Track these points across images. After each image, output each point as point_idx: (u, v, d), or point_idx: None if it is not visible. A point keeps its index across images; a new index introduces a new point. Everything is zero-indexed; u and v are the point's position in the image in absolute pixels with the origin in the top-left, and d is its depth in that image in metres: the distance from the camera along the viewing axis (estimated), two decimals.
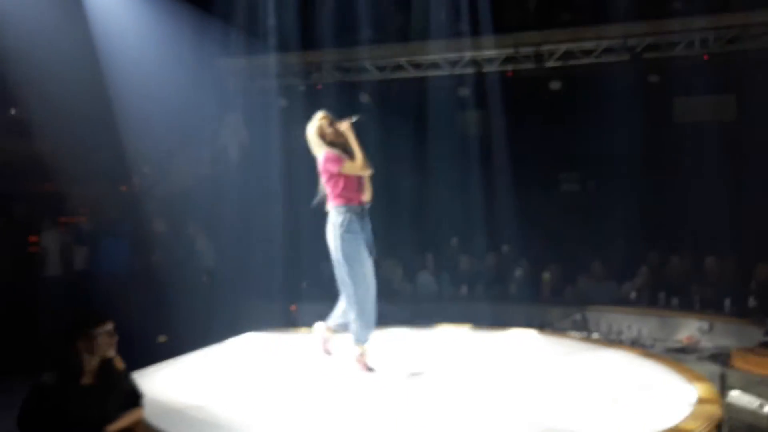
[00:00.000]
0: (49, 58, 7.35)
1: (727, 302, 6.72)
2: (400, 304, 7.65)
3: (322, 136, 4.43)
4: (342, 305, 4.64)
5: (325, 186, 4.45)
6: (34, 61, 7.31)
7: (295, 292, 7.93)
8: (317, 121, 4.48)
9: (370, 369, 4.44)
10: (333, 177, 4.40)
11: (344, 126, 4.42)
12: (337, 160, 4.38)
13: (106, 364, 3.30)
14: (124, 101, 7.92)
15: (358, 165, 4.38)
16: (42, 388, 3.18)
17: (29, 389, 3.19)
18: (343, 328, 4.66)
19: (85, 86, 7.75)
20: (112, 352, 3.30)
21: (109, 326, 3.28)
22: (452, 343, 5.50)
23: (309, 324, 6.79)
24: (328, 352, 4.75)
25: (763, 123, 8.86)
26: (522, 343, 5.50)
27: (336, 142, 4.43)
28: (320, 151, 4.44)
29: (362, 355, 4.46)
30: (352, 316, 4.45)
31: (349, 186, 4.43)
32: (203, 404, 3.85)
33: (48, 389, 3.18)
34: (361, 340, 4.47)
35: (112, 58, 7.91)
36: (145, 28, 8.00)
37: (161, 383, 4.28)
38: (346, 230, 4.39)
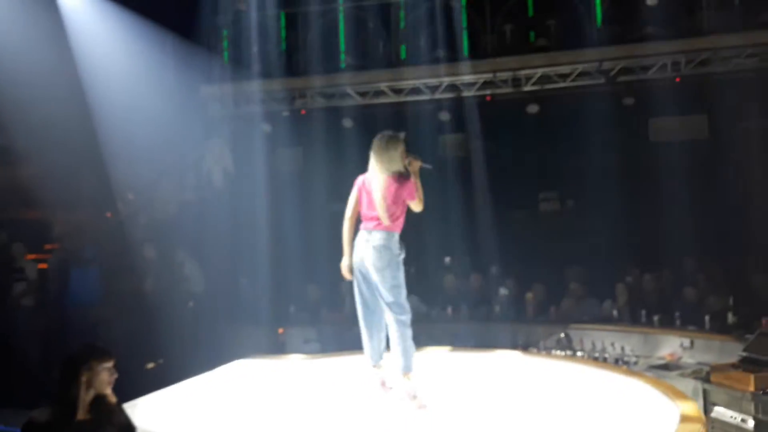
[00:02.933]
0: (34, 85, 7.35)
1: (707, 319, 6.87)
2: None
3: (402, 156, 4.26)
4: (370, 338, 4.46)
5: (389, 208, 4.21)
6: (18, 89, 7.29)
7: (283, 317, 7.95)
8: (402, 141, 4.29)
9: (424, 405, 4.15)
10: (402, 204, 4.25)
11: (416, 165, 4.27)
12: (416, 191, 4.24)
13: (100, 398, 3.30)
14: (108, 128, 7.93)
15: (421, 203, 4.28)
16: (36, 423, 3.17)
17: (23, 425, 3.18)
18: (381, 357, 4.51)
19: (69, 113, 7.75)
20: (109, 389, 3.31)
21: (111, 362, 3.30)
22: (439, 365, 5.55)
23: (297, 348, 6.87)
24: (389, 388, 4.48)
25: (733, 141, 9.14)
26: (507, 363, 5.57)
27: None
28: (394, 170, 4.23)
29: (412, 387, 4.21)
30: (397, 341, 4.22)
31: (405, 216, 4.33)
32: None
33: (43, 425, 3.16)
34: (410, 369, 4.24)
35: (97, 86, 7.93)
36: (130, 56, 8.04)
37: (152, 414, 4.27)
38: (399, 258, 4.28)
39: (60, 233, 8.23)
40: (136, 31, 8.12)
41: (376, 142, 4.30)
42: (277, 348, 6.89)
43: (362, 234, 4.35)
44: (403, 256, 4.30)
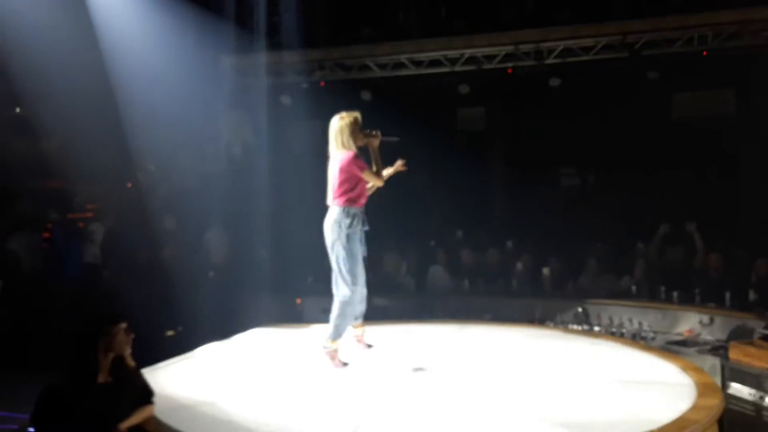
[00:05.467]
0: (53, 56, 7.41)
1: (728, 296, 6.79)
2: (403, 299, 7.76)
3: (354, 134, 4.49)
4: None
5: (338, 183, 4.48)
6: (38, 60, 7.36)
7: (300, 287, 8.02)
8: (353, 118, 4.52)
9: (344, 364, 4.52)
10: (352, 179, 4.46)
11: (375, 139, 4.52)
12: (363, 166, 4.47)
13: (119, 361, 3.36)
14: (128, 98, 7.97)
15: (378, 178, 4.52)
16: (57, 387, 3.23)
17: (43, 388, 3.23)
18: (360, 317, 4.79)
19: (89, 84, 7.80)
20: (128, 350, 3.37)
21: (125, 324, 3.35)
22: (455, 337, 5.58)
23: (315, 318, 6.94)
24: (367, 346, 4.84)
25: (762, 117, 8.95)
26: (524, 337, 5.58)
27: (359, 146, 4.53)
28: (345, 148, 4.48)
29: (336, 351, 4.54)
30: (334, 312, 4.55)
31: (361, 190, 4.54)
32: (213, 400, 3.89)
33: (64, 388, 3.23)
34: (336, 337, 4.55)
35: (116, 56, 7.96)
36: (149, 26, 8.04)
37: (171, 379, 4.33)
38: (351, 231, 4.48)
39: (82, 203, 8.33)
40: (157, 2, 8.10)
41: (330, 123, 4.56)
42: (295, 318, 6.96)
43: None
44: (358, 228, 4.50)
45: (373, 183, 4.57)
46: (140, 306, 6.31)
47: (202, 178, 8.83)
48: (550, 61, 8.91)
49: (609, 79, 9.13)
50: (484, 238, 9.06)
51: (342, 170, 4.45)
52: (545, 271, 8.02)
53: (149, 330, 5.93)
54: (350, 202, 4.49)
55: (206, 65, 8.73)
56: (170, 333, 6.55)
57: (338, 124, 4.52)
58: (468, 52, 9.03)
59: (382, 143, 4.54)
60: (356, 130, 4.50)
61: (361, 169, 4.45)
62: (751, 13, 8.10)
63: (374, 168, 4.51)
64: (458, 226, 9.27)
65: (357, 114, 4.56)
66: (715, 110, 9.57)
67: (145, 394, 3.46)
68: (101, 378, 3.29)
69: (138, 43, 8.00)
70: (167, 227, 7.89)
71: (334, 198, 4.52)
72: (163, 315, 6.58)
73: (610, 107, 9.32)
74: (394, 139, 4.59)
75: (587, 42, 8.75)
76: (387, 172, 4.64)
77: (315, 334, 5.63)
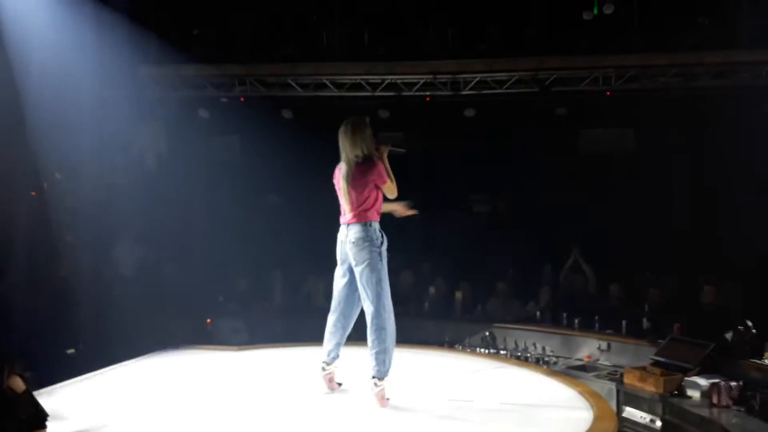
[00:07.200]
0: None
1: (624, 323, 7.19)
2: (319, 321, 7.72)
3: (372, 140, 4.12)
4: (335, 336, 4.37)
5: (362, 197, 4.06)
6: None
7: (211, 306, 7.84)
8: (366, 122, 4.15)
9: (388, 400, 4.11)
10: (375, 190, 4.09)
11: (386, 148, 4.19)
12: (387, 176, 4.11)
13: (6, 386, 3.20)
14: (35, 102, 7.58)
15: (394, 187, 4.18)
16: None
17: None
18: (336, 357, 4.43)
19: None
20: (16, 382, 3.21)
21: (9, 366, 3.20)
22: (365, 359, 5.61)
23: (225, 339, 6.81)
24: (336, 386, 4.44)
25: (658, 155, 9.60)
26: (430, 359, 5.69)
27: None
28: (365, 155, 4.08)
29: (383, 389, 4.09)
30: (375, 346, 4.09)
31: (381, 203, 4.18)
32: (109, 424, 3.76)
33: None
34: (384, 375, 4.09)
35: (26, 59, 7.58)
36: (63, 30, 7.72)
37: (67, 402, 4.16)
38: (382, 249, 4.13)
39: None
40: (70, 5, 7.80)
41: (340, 130, 4.14)
42: (205, 338, 6.80)
43: (341, 229, 4.19)
44: (385, 245, 4.15)
45: (389, 195, 4.19)
46: (38, 322, 6.02)
47: (112, 189, 8.50)
48: (466, 92, 9.22)
49: (520, 112, 9.55)
50: (399, 261, 9.18)
51: (368, 181, 4.05)
52: (457, 294, 8.22)
53: (47, 348, 5.68)
54: (374, 216, 4.11)
55: (123, 74, 8.45)
56: (71, 351, 6.25)
57: (356, 128, 4.09)
58: (389, 78, 9.20)
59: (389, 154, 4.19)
60: (370, 137, 4.12)
61: (384, 181, 4.08)
62: (651, 59, 8.72)
63: (391, 177, 4.16)
64: None
65: (366, 119, 4.18)
66: (616, 146, 10.19)
67: (38, 418, 3.29)
68: None
69: (50, 47, 7.64)
70: (68, 240, 7.54)
71: (358, 212, 4.07)
72: (62, 332, 6.28)
73: (521, 139, 9.73)
74: (401, 150, 4.29)
75: (501, 76, 9.12)
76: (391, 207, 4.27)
77: (225, 356, 5.54)
